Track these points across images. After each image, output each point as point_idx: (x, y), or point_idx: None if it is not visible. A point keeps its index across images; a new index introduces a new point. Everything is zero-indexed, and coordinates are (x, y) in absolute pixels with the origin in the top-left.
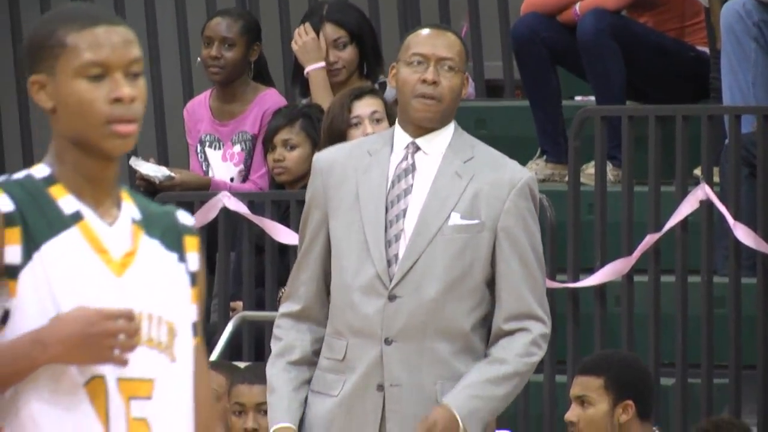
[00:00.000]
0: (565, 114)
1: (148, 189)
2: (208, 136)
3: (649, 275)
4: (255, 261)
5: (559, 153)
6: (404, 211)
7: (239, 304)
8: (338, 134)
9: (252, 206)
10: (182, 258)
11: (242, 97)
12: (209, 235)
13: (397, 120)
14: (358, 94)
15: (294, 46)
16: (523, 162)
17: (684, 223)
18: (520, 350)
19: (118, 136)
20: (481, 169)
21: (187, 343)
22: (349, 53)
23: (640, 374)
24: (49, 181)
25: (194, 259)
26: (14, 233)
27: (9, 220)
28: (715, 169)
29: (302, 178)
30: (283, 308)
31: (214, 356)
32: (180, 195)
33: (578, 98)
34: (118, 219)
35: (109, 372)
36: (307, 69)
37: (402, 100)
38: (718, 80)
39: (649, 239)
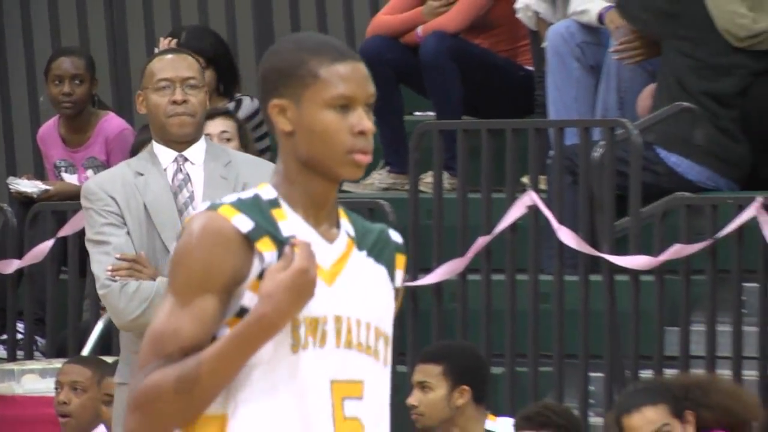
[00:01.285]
0: (406, 128)
1: (24, 202)
2: (62, 162)
3: (482, 274)
4: None
5: (400, 163)
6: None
7: None
8: None
9: None
10: (391, 274)
11: (87, 125)
12: (81, 241)
13: (153, 140)
14: (211, 115)
15: None
16: (366, 172)
17: (513, 226)
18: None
19: (356, 165)
20: (242, 169)
21: (390, 350)
22: (207, 76)
23: (476, 362)
24: (274, 203)
25: (399, 276)
26: (266, 242)
27: (254, 235)
28: (542, 178)
29: None
30: None
31: (86, 351)
32: (54, 205)
33: (418, 113)
34: (337, 238)
35: (322, 375)
36: None
37: (158, 122)
38: (542, 96)
39: (482, 241)
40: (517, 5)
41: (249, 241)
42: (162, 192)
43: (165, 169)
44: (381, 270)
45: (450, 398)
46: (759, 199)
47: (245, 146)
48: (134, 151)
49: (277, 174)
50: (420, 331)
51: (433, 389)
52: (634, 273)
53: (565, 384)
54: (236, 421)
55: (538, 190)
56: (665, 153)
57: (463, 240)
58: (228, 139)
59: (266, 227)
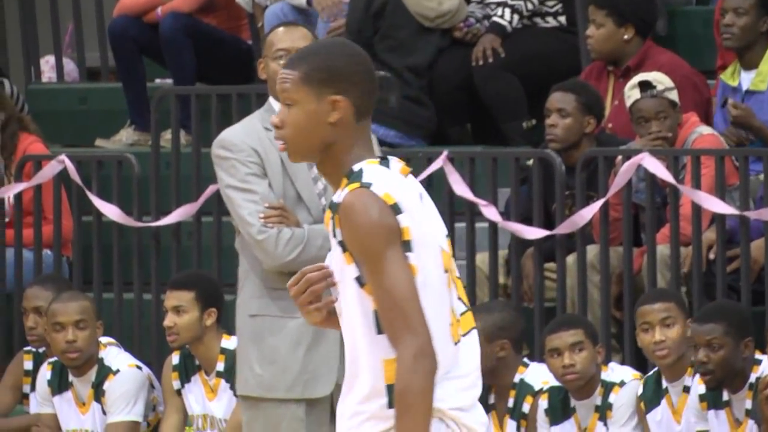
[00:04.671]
0: (149, 93)
1: None
2: None
3: (213, 216)
4: None
5: (144, 123)
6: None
7: None
8: None
9: None
10: (335, 233)
11: None
12: None
13: (272, 99)
14: None
15: None
16: (115, 131)
17: None
18: None
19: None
20: None
21: (346, 290)
22: None
23: (219, 288)
24: None
25: (339, 233)
26: None
27: None
28: None
29: None
30: None
31: None
32: None
33: (158, 80)
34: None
35: None
36: None
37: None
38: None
39: (212, 189)
40: None
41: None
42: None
43: None
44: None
45: (201, 320)
46: (445, 153)
47: (4, 109)
48: None
49: None
50: (162, 265)
51: (188, 312)
52: None
53: None
54: None
55: None
56: None
57: (197, 188)
58: None
59: None
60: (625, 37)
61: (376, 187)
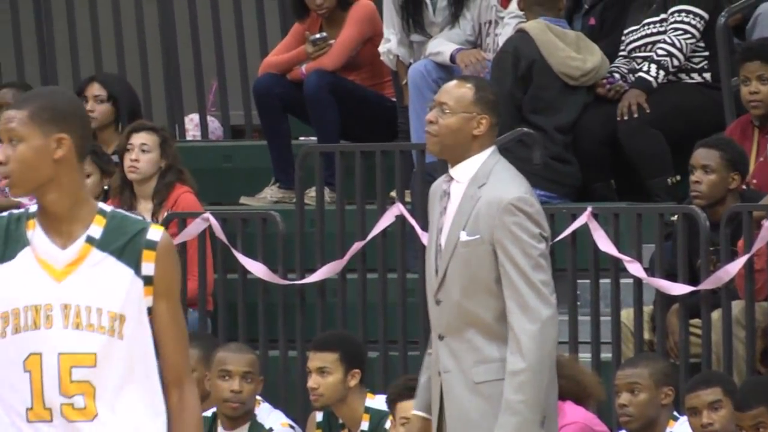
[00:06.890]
0: (293, 151)
1: None
2: None
3: (358, 273)
4: None
5: (288, 181)
6: (440, 229)
7: None
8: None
9: None
10: (136, 266)
11: None
12: None
13: None
14: (137, 129)
15: None
16: (259, 188)
17: (384, 233)
18: (528, 346)
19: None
20: (486, 192)
21: (136, 324)
22: (105, 109)
23: (362, 349)
24: (31, 215)
25: (148, 267)
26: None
27: None
28: (406, 192)
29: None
30: None
31: None
32: None
33: (302, 138)
34: (72, 244)
35: (47, 350)
36: None
37: None
38: (405, 124)
39: (357, 246)
40: (381, 49)
41: None
42: (436, 204)
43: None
44: (120, 266)
45: (344, 381)
46: (589, 209)
47: (167, 157)
48: None
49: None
50: (307, 322)
51: (331, 373)
52: None
53: None
54: None
55: (404, 202)
56: None
57: (342, 245)
58: (144, 150)
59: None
60: None
61: None
